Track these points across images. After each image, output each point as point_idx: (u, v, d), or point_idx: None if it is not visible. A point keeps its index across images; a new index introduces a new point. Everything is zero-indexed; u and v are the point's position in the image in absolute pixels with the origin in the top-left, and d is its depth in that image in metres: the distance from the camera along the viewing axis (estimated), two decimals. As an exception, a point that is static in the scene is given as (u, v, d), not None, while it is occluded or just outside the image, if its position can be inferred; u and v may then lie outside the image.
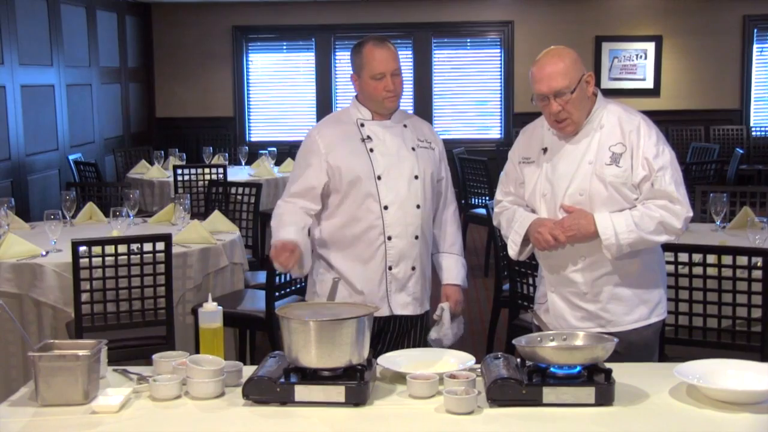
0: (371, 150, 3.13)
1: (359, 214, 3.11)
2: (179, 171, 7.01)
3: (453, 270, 3.31)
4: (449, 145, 10.76)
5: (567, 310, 2.95)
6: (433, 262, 3.33)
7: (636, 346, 2.86)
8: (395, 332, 3.19)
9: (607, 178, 2.81)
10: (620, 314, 2.90)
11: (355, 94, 3.25)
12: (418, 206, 3.14)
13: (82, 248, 3.93)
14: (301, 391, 2.28)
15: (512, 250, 3.01)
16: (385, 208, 3.10)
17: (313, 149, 3.16)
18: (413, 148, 3.18)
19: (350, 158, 3.11)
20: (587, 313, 2.92)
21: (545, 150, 2.94)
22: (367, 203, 3.10)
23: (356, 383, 2.27)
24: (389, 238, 3.11)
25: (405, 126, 3.22)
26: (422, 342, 3.22)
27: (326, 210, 3.18)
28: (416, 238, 3.15)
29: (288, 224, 3.09)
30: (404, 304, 3.17)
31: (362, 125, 3.18)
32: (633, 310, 2.90)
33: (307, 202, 3.15)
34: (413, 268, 3.16)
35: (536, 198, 2.94)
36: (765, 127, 11.30)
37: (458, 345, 3.11)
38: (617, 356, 2.42)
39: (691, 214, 2.83)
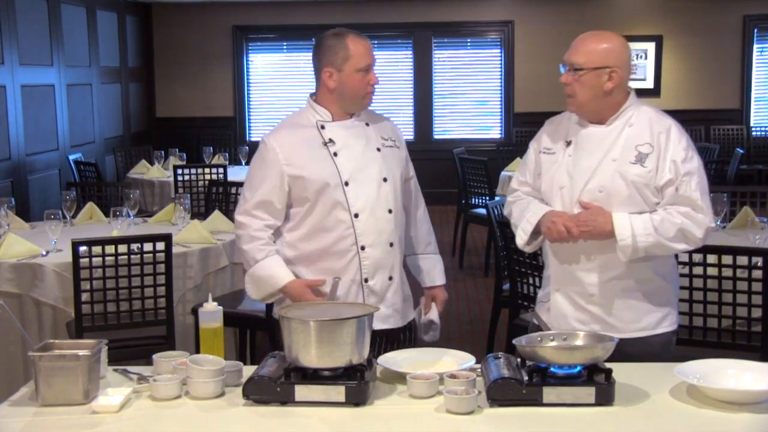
0: (335, 154, 2.93)
1: (328, 224, 2.91)
2: (179, 171, 7.01)
3: (434, 271, 3.16)
4: (449, 144, 10.77)
5: (570, 311, 2.85)
6: (409, 264, 3.16)
7: (641, 357, 2.69)
8: (381, 348, 2.93)
9: (630, 177, 2.72)
10: (626, 321, 2.80)
11: (310, 93, 3.04)
12: (390, 211, 2.96)
13: (83, 248, 3.93)
14: (302, 391, 2.28)
15: (520, 239, 2.90)
16: (356, 215, 2.91)
17: (269, 159, 2.93)
18: (378, 149, 2.99)
19: (313, 165, 2.90)
20: (591, 315, 2.82)
21: (569, 143, 2.84)
22: (335, 212, 2.90)
23: (356, 383, 2.27)
24: (362, 248, 2.92)
25: (367, 125, 3.02)
26: None
27: (289, 222, 2.98)
28: (391, 245, 2.97)
29: (278, 265, 2.95)
30: (384, 318, 2.96)
31: (322, 127, 2.96)
32: (640, 318, 2.81)
33: (268, 216, 2.95)
34: (390, 278, 2.98)
35: (553, 190, 2.84)
36: (765, 127, 11.30)
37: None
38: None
39: (713, 224, 2.74)
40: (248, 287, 3.01)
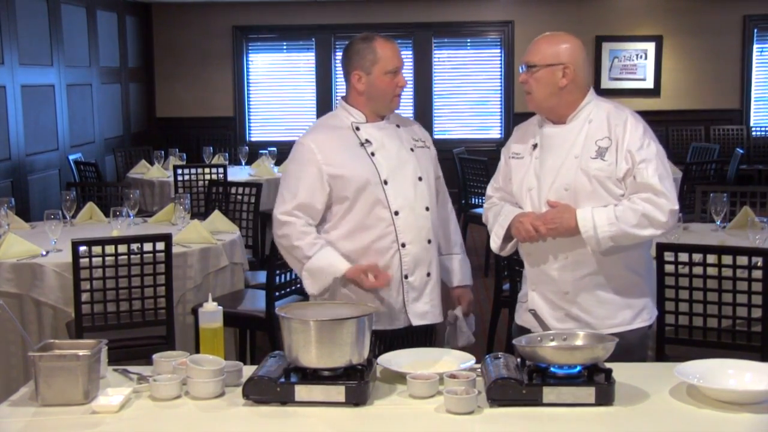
0: (372, 154, 3.00)
1: (368, 223, 2.97)
2: (179, 171, 7.01)
3: (460, 272, 3.21)
4: (449, 144, 10.80)
5: (546, 310, 2.88)
6: None
7: (617, 352, 2.61)
8: (412, 344, 2.98)
9: (592, 172, 2.78)
10: (601, 317, 2.85)
11: (342, 96, 3.13)
12: (427, 208, 3.04)
13: (82, 248, 3.93)
14: (301, 391, 2.27)
15: (494, 243, 2.97)
16: (396, 213, 2.98)
17: (307, 159, 2.98)
18: (411, 149, 3.08)
19: (352, 164, 2.96)
20: (566, 313, 2.87)
21: (535, 146, 2.92)
22: (375, 210, 2.96)
23: (356, 383, 2.27)
24: (403, 245, 2.98)
25: (398, 126, 3.11)
26: None
27: (328, 222, 3.02)
28: (429, 242, 3.04)
29: (334, 254, 2.95)
30: (422, 314, 3.04)
31: (357, 129, 3.04)
32: (615, 313, 2.86)
33: (309, 218, 2.99)
34: (428, 275, 3.05)
35: (523, 193, 2.91)
36: (765, 127, 11.30)
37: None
38: None
39: (676, 207, 2.78)
40: (307, 282, 3.01)
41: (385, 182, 2.98)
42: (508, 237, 2.94)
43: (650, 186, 2.75)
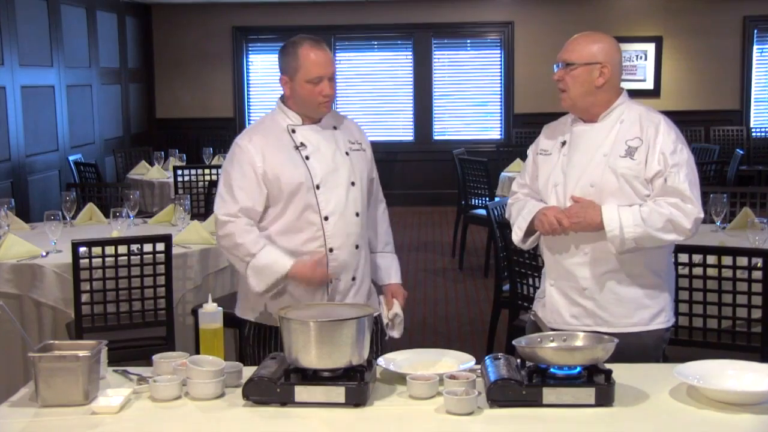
0: (307, 157, 2.98)
1: (298, 226, 2.98)
2: (179, 172, 7.01)
3: (392, 269, 3.23)
4: (449, 145, 10.77)
5: (564, 305, 2.90)
6: None
7: (632, 352, 2.71)
8: None
9: (619, 170, 2.79)
10: (618, 316, 2.85)
11: (279, 96, 3.09)
12: (357, 214, 3.03)
13: (82, 249, 3.93)
14: (301, 392, 2.28)
15: (516, 236, 2.98)
16: (326, 218, 2.97)
17: (245, 161, 2.96)
18: (347, 153, 3.05)
19: (287, 168, 2.95)
20: (584, 310, 2.87)
21: (564, 143, 2.94)
22: (306, 214, 2.97)
23: (356, 384, 2.27)
24: (331, 250, 2.98)
25: (335, 128, 3.08)
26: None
27: (261, 222, 3.02)
28: (357, 247, 3.04)
29: (278, 252, 2.94)
30: None
31: (293, 131, 3.02)
32: (633, 313, 2.85)
33: (251, 219, 2.99)
34: (354, 279, 3.06)
35: (548, 188, 2.93)
36: (765, 127, 11.30)
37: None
38: (611, 359, 2.37)
39: (702, 215, 2.78)
40: (251, 280, 2.98)
41: (318, 187, 2.97)
42: (530, 231, 2.95)
43: (679, 191, 2.75)
